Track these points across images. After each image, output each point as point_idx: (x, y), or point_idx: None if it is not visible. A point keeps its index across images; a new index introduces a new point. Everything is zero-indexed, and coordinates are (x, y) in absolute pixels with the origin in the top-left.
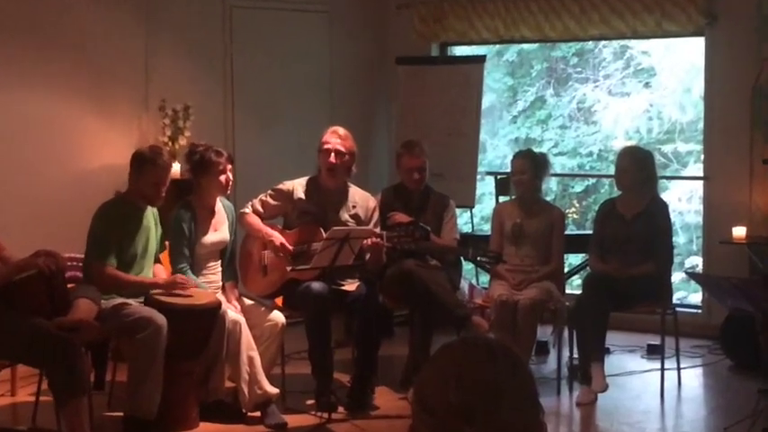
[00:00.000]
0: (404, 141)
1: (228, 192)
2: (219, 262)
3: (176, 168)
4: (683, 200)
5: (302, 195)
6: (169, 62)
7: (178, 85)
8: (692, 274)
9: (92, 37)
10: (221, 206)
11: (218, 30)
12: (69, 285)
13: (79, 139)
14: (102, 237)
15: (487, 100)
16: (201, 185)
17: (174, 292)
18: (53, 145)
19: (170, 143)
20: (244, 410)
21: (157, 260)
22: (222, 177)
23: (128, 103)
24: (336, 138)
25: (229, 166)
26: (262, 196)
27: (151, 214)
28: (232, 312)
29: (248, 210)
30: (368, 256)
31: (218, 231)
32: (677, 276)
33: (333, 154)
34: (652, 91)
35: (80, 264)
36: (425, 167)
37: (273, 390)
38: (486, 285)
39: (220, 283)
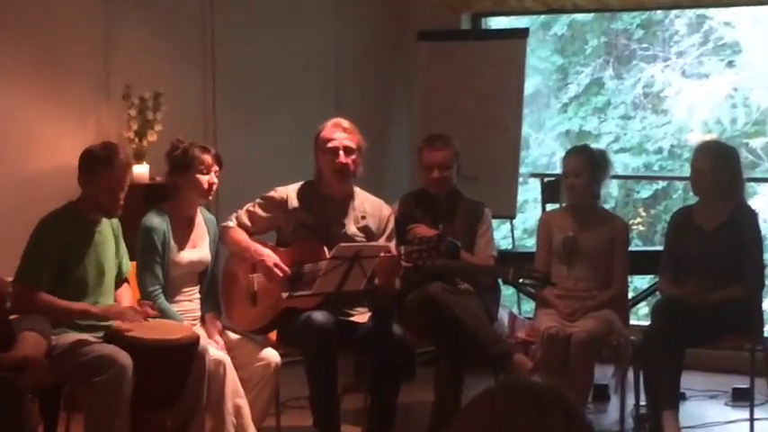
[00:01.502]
0: (428, 135)
1: (211, 197)
2: (198, 287)
3: (144, 170)
4: None
5: (299, 205)
6: (134, 38)
7: (146, 67)
8: None
9: (36, 8)
10: (201, 219)
11: None
12: (12, 316)
13: (23, 135)
14: (37, 254)
15: (531, 84)
16: (179, 188)
17: (142, 325)
18: None
19: (137, 139)
20: None
21: (124, 281)
22: (204, 178)
23: (83, 91)
24: (341, 131)
25: (215, 168)
26: (249, 206)
27: (109, 227)
28: (214, 350)
29: (232, 223)
30: (376, 280)
31: (198, 248)
32: None
33: (341, 152)
34: (736, 72)
35: None
36: (450, 165)
37: None
38: (531, 315)
39: (199, 314)
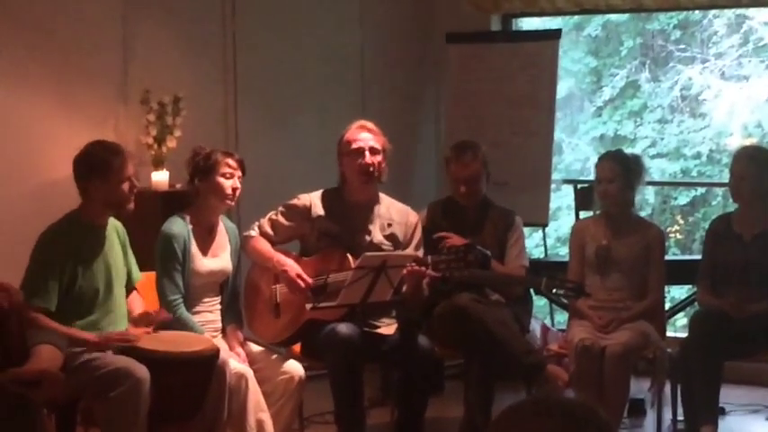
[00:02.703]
0: (455, 143)
1: (233, 203)
2: (219, 298)
3: (163, 177)
4: None
5: (323, 213)
6: (154, 42)
7: (165, 71)
8: None
9: (54, 12)
10: (222, 227)
11: (217, 0)
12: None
13: (40, 142)
14: (39, 271)
15: (564, 87)
16: (201, 194)
17: (161, 336)
18: (7, 150)
19: (156, 145)
20: None
21: (134, 289)
22: (227, 183)
23: (101, 95)
24: (366, 132)
25: (239, 174)
26: (272, 214)
27: (114, 233)
28: (235, 362)
29: (255, 232)
30: (405, 287)
31: (219, 258)
32: None
33: (367, 152)
34: None
35: None
36: (478, 179)
37: None
38: (564, 326)
39: (220, 325)
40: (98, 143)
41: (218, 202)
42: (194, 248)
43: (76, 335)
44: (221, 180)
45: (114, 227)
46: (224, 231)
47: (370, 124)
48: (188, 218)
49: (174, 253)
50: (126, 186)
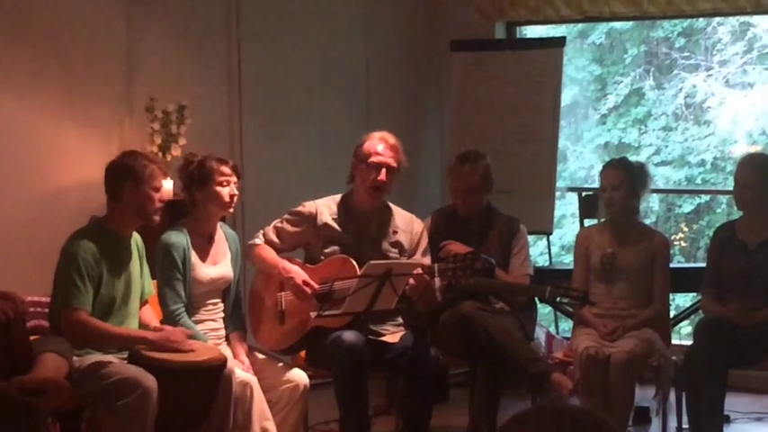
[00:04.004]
0: (459, 154)
1: (232, 210)
2: (222, 306)
3: (168, 186)
4: None
5: (329, 220)
6: (158, 50)
7: (170, 79)
8: None
9: (58, 21)
10: (222, 234)
11: (222, 8)
12: (32, 337)
13: (46, 149)
14: (75, 276)
15: (569, 95)
16: (198, 203)
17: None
18: (13, 158)
19: (160, 153)
20: None
21: (146, 302)
22: (225, 190)
23: (106, 104)
24: (388, 148)
25: (234, 179)
26: (277, 222)
27: (135, 246)
28: (241, 371)
29: (260, 240)
30: (412, 295)
31: (219, 265)
32: None
33: (384, 170)
34: None
35: (46, 310)
36: (474, 191)
37: None
38: (569, 334)
39: (223, 333)
40: (133, 151)
41: (218, 210)
42: (194, 257)
43: (134, 334)
44: (219, 189)
45: (135, 240)
46: (223, 238)
47: (392, 140)
48: (186, 227)
49: (174, 263)
50: (156, 196)
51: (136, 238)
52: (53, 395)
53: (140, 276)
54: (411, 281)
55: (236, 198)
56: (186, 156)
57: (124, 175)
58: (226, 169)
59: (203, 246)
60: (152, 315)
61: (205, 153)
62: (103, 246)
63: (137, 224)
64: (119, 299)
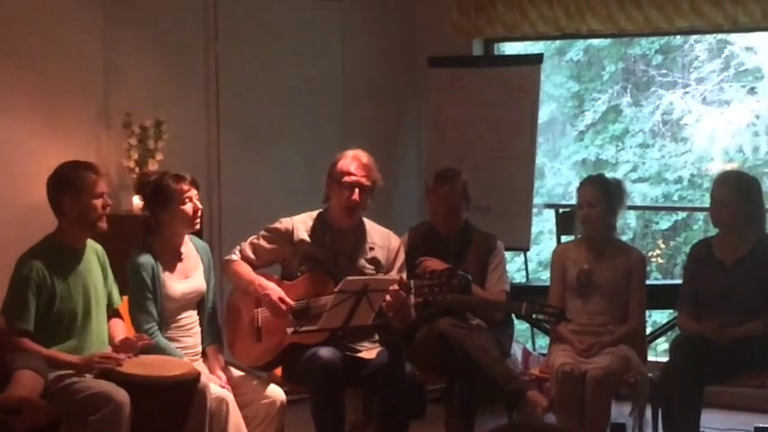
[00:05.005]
0: (436, 173)
1: (198, 224)
2: (198, 319)
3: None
4: None
5: (305, 236)
6: (136, 65)
7: (147, 94)
8: None
9: (35, 35)
10: (191, 246)
11: (199, 23)
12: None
13: (21, 165)
14: (17, 292)
15: (546, 111)
16: (163, 223)
17: (141, 360)
18: None
19: (137, 169)
20: None
21: (116, 314)
22: (188, 207)
23: (83, 119)
24: (361, 168)
25: (195, 193)
26: (253, 238)
27: (95, 255)
28: (216, 387)
29: (236, 256)
30: (389, 311)
31: (191, 278)
32: None
33: (357, 190)
34: (758, 98)
35: None
36: (456, 210)
37: None
38: (545, 351)
39: (200, 348)
40: (70, 162)
41: (184, 228)
42: (165, 274)
43: (60, 358)
44: (182, 208)
45: (94, 249)
46: (193, 251)
47: (365, 158)
48: (153, 245)
49: (143, 282)
50: (99, 203)
51: (95, 247)
52: (28, 414)
53: (104, 285)
54: (388, 297)
55: (200, 212)
56: (139, 176)
57: (62, 188)
58: (185, 186)
59: (173, 261)
60: (122, 328)
61: (158, 170)
62: (56, 261)
63: (86, 234)
64: (80, 312)
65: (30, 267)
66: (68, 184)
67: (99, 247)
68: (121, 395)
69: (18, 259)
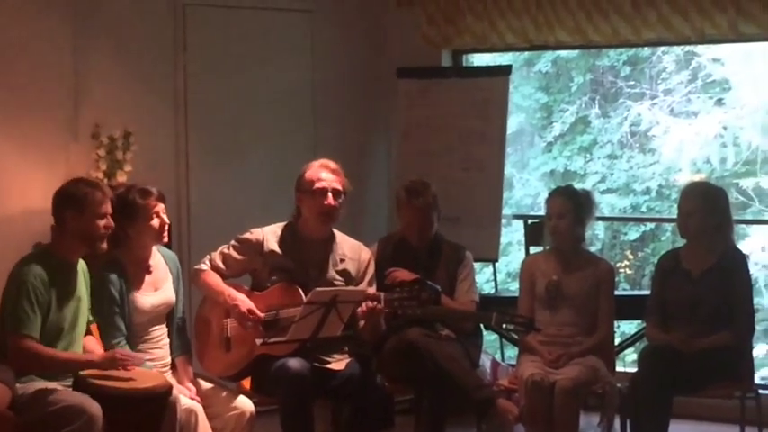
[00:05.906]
0: (407, 183)
1: (165, 239)
2: (166, 330)
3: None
4: None
5: (275, 247)
6: (104, 76)
7: (116, 105)
8: None
9: (5, 47)
10: (159, 258)
11: (168, 35)
12: None
13: None
14: (25, 302)
15: (515, 122)
16: (131, 237)
17: (112, 373)
18: None
19: (105, 180)
20: None
21: (88, 331)
22: (155, 222)
23: (51, 130)
24: (329, 173)
25: (161, 206)
26: (223, 248)
27: (81, 272)
28: (185, 398)
29: (206, 266)
30: (362, 323)
31: (160, 290)
32: (761, 349)
33: (330, 194)
34: (726, 110)
35: None
36: (429, 223)
37: None
38: (514, 362)
39: (169, 360)
40: (80, 178)
41: (152, 242)
42: (133, 287)
43: (81, 359)
44: (150, 223)
45: (80, 266)
46: (162, 263)
47: (332, 164)
48: (120, 259)
49: (110, 297)
50: (102, 223)
51: (81, 264)
52: None
53: (87, 304)
54: (363, 307)
55: (167, 226)
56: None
57: (67, 203)
58: (152, 202)
59: (141, 274)
60: (95, 344)
61: (126, 183)
62: (52, 272)
63: (83, 251)
64: (66, 326)
65: (32, 275)
66: (74, 200)
67: (84, 265)
68: (95, 408)
69: (16, 267)
